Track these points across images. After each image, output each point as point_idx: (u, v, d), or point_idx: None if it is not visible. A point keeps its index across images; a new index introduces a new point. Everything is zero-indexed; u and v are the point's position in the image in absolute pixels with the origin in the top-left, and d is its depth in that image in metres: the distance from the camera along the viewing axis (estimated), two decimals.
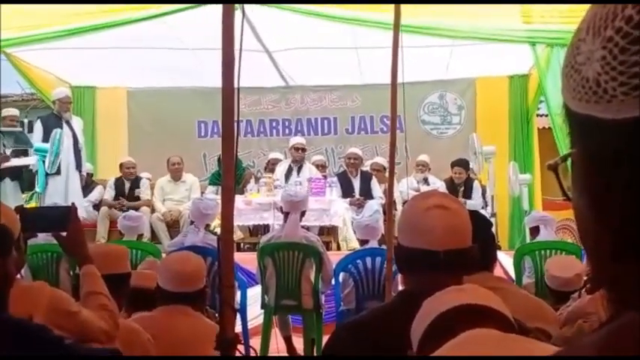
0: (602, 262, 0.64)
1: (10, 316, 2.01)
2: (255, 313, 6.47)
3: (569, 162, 0.68)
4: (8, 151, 8.89)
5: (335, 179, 9.83)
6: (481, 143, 10.02)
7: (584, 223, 0.66)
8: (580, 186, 0.65)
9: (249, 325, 6.30)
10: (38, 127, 9.39)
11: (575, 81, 0.63)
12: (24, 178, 9.20)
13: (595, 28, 0.61)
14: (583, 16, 0.64)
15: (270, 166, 10.47)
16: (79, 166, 9.49)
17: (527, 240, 7.83)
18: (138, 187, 10.09)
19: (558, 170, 0.70)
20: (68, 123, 9.50)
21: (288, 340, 6.55)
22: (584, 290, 3.97)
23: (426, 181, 10.15)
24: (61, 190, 8.91)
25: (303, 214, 6.52)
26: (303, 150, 10.18)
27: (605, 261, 0.63)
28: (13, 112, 10.08)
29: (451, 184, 9.90)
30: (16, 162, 9.01)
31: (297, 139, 10.51)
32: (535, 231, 6.96)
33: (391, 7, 4.82)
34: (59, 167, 9.00)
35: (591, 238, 0.65)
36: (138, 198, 10.00)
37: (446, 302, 1.62)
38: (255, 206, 8.95)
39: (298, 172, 9.88)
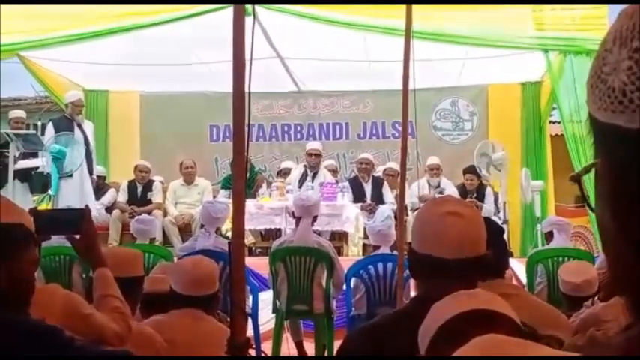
0: (623, 270, 0.64)
1: (26, 317, 2.03)
2: (266, 318, 6.48)
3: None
4: (17, 153, 8.92)
5: (346, 184, 9.82)
6: (500, 148, 9.98)
7: (607, 232, 0.66)
8: (604, 196, 0.65)
9: (261, 330, 6.31)
10: (50, 129, 9.42)
11: (601, 91, 0.63)
12: (34, 180, 9.23)
13: (622, 39, 0.61)
14: (604, 22, 0.65)
15: (282, 175, 10.44)
16: (90, 170, 9.52)
17: (540, 246, 7.80)
18: (150, 191, 10.13)
19: (581, 181, 0.70)
20: (80, 126, 9.53)
21: (299, 345, 6.55)
22: (597, 297, 3.96)
23: (438, 187, 10.11)
24: (75, 193, 8.93)
25: (314, 218, 6.51)
26: (318, 156, 10.12)
27: (627, 270, 0.63)
28: (20, 114, 10.13)
29: (463, 191, 9.88)
30: (24, 164, 9.04)
31: (312, 145, 10.47)
32: (550, 236, 6.91)
33: (403, 12, 4.81)
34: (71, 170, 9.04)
35: (614, 247, 0.65)
36: (150, 201, 10.04)
37: (454, 307, 1.62)
38: (266, 211, 8.95)
39: (313, 178, 9.86)
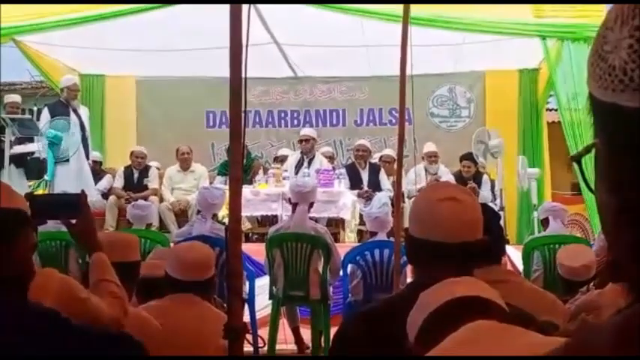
0: (623, 252, 0.63)
1: (25, 301, 2.03)
2: (263, 304, 6.48)
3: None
4: (13, 138, 8.89)
5: (343, 171, 9.82)
6: (497, 135, 9.98)
7: (606, 213, 0.65)
8: (603, 176, 0.65)
9: (258, 316, 6.32)
10: (45, 114, 9.38)
11: (602, 69, 0.63)
12: (29, 165, 9.21)
13: (623, 16, 0.61)
14: (602, 8, 0.64)
15: (279, 162, 10.42)
16: (86, 155, 9.50)
17: (537, 233, 7.80)
18: (147, 177, 10.13)
19: (581, 161, 0.69)
20: (75, 111, 9.50)
21: (295, 331, 6.56)
22: (592, 284, 3.98)
23: (435, 175, 10.11)
24: (71, 178, 8.91)
25: (311, 205, 6.51)
26: (308, 141, 10.07)
27: (627, 251, 0.62)
28: (15, 98, 10.10)
29: (460, 178, 9.88)
30: (20, 149, 9.02)
31: (304, 131, 10.48)
32: (546, 223, 6.91)
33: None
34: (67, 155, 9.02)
35: (614, 229, 0.64)
36: (146, 187, 10.04)
37: (442, 295, 1.63)
38: (263, 197, 8.96)
39: (309, 164, 9.84)
